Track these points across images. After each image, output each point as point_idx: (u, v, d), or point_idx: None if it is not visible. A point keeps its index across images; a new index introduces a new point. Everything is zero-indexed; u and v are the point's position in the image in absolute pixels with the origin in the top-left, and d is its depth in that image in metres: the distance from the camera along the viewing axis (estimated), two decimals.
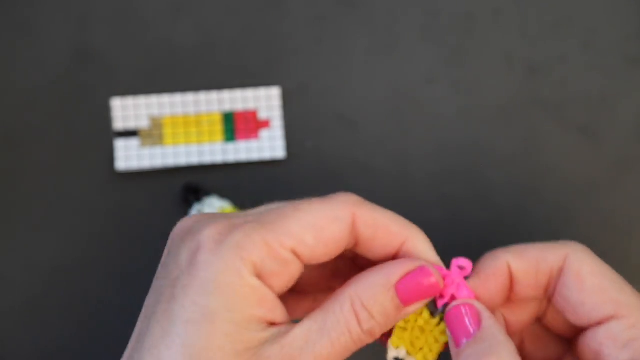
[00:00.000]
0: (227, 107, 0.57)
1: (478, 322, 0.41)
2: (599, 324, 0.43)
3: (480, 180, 0.58)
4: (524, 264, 0.44)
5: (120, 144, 0.57)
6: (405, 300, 0.41)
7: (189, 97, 0.57)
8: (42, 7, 0.58)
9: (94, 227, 0.57)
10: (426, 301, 0.42)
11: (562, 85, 0.58)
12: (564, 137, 0.58)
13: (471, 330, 0.41)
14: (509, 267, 0.44)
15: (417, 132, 0.58)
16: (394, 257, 0.42)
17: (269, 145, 0.57)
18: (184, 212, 0.57)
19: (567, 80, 0.58)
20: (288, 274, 0.40)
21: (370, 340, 0.41)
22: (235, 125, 0.57)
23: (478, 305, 0.42)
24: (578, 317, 0.43)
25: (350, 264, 0.46)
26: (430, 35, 0.58)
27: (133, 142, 0.57)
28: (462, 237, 0.57)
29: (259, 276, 0.40)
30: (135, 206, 0.57)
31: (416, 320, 0.43)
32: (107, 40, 0.58)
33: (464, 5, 0.59)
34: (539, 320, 0.46)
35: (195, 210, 0.56)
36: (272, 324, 0.40)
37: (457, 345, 0.41)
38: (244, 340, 0.39)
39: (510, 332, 0.46)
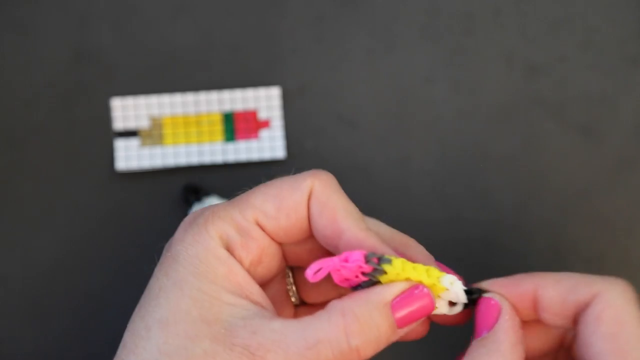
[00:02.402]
0: (227, 107, 0.57)
1: (496, 322, 0.41)
2: None
3: (480, 180, 0.58)
4: (553, 289, 0.42)
5: (120, 144, 0.57)
6: (400, 318, 0.39)
7: (189, 97, 0.57)
8: (42, 7, 0.58)
9: (94, 227, 0.57)
10: (419, 322, 0.40)
11: (562, 85, 0.58)
12: (564, 137, 0.58)
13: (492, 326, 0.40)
14: (536, 288, 0.42)
15: (417, 132, 0.58)
16: (336, 246, 0.41)
17: (269, 145, 0.57)
18: (184, 212, 0.57)
19: (567, 80, 0.58)
20: (256, 246, 0.41)
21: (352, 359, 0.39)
22: (235, 125, 0.57)
23: (506, 306, 0.41)
24: (586, 358, 0.41)
25: None
26: (430, 35, 0.58)
27: (133, 142, 0.57)
28: (462, 237, 0.57)
29: (227, 249, 0.40)
30: (135, 206, 0.57)
31: None
32: (107, 40, 0.58)
33: (464, 5, 0.59)
34: (568, 349, 0.44)
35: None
36: (247, 299, 0.39)
37: (478, 334, 0.40)
38: (212, 309, 0.38)
39: (532, 350, 0.44)
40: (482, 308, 0.41)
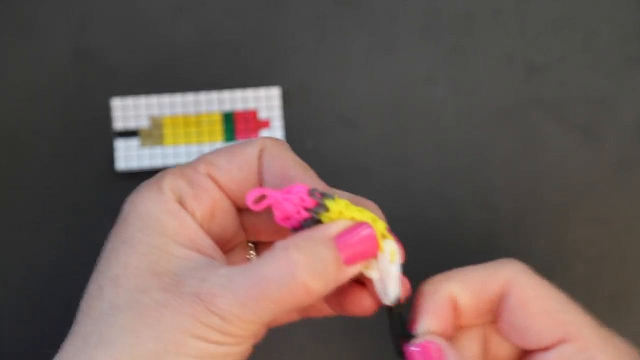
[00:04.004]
0: (227, 107, 0.57)
1: None
2: (548, 348, 0.41)
3: (480, 180, 0.58)
4: (466, 293, 0.42)
5: (120, 144, 0.57)
6: (345, 254, 0.39)
7: (189, 97, 0.57)
8: (42, 7, 0.58)
9: (94, 227, 0.57)
10: (365, 262, 0.40)
11: (562, 85, 0.58)
12: (564, 137, 0.58)
13: None
14: (453, 297, 0.42)
15: (417, 132, 0.58)
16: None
17: None
18: None
19: (567, 80, 0.58)
20: (207, 197, 0.41)
21: (300, 297, 0.38)
22: (235, 125, 0.57)
23: (440, 342, 0.41)
24: (525, 342, 0.42)
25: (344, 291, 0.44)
26: (430, 35, 0.58)
27: (133, 142, 0.57)
28: (462, 237, 0.57)
29: (179, 202, 0.40)
30: None
31: None
32: (107, 40, 0.58)
33: (464, 5, 0.59)
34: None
35: None
36: (198, 252, 0.39)
37: None
38: (161, 261, 0.39)
39: None
40: (417, 355, 0.41)
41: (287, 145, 0.42)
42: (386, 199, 0.58)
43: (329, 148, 0.58)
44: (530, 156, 0.58)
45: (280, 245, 0.38)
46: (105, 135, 0.58)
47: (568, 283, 0.57)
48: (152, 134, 0.57)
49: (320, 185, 0.41)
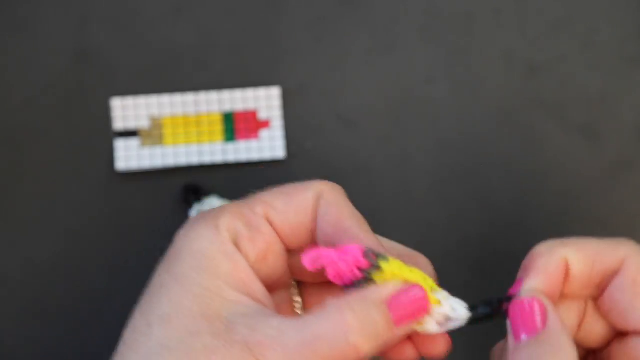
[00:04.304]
0: (227, 107, 0.57)
1: (545, 320, 0.40)
2: None
3: (480, 180, 0.58)
4: (581, 261, 0.42)
5: (120, 144, 0.57)
6: (397, 316, 0.39)
7: (189, 97, 0.57)
8: (42, 7, 0.58)
9: (94, 227, 0.57)
10: (417, 322, 0.40)
11: (562, 85, 0.58)
12: (564, 137, 0.58)
13: (539, 327, 0.40)
14: (567, 263, 0.42)
15: (417, 132, 0.58)
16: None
17: (269, 145, 0.57)
18: (184, 212, 0.57)
19: (567, 80, 0.58)
20: (263, 241, 0.41)
21: (349, 358, 0.38)
22: (235, 125, 0.57)
23: (547, 303, 0.40)
24: (626, 322, 0.42)
25: None
26: (430, 35, 0.58)
27: (133, 142, 0.57)
28: (462, 237, 0.57)
29: (235, 244, 0.40)
30: (135, 206, 0.57)
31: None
32: (107, 40, 0.58)
33: (464, 5, 0.59)
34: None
35: (195, 210, 0.56)
36: (250, 297, 0.39)
37: (517, 339, 0.40)
38: (213, 304, 0.38)
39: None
40: (519, 310, 0.40)
41: (343, 192, 0.42)
42: (386, 199, 0.58)
43: (329, 148, 0.58)
44: (530, 156, 0.58)
45: (333, 305, 0.38)
46: (105, 135, 0.58)
47: None
48: (152, 134, 0.57)
49: (373, 240, 0.41)
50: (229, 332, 0.38)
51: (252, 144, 0.57)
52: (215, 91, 0.57)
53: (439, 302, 0.40)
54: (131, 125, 0.57)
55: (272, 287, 0.43)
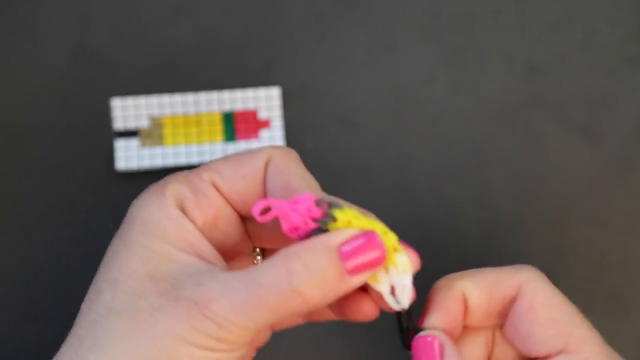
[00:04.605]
0: (227, 107, 0.57)
1: (442, 358, 0.40)
2: (548, 356, 0.41)
3: (480, 180, 0.58)
4: (478, 292, 0.42)
5: (120, 144, 0.57)
6: (348, 265, 0.38)
7: (189, 97, 0.57)
8: (42, 7, 0.58)
9: (93, 227, 0.57)
10: (371, 272, 0.38)
11: (562, 85, 0.58)
12: (564, 137, 0.58)
13: None
14: (464, 295, 0.42)
15: (417, 132, 0.58)
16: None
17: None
18: None
19: (567, 80, 0.58)
20: (209, 205, 0.41)
21: (297, 306, 0.37)
22: (235, 125, 0.57)
23: (445, 340, 0.41)
24: (528, 348, 0.42)
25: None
26: (430, 35, 0.58)
27: (133, 142, 0.57)
28: (462, 237, 0.57)
29: (181, 208, 0.40)
30: None
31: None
32: (107, 40, 0.58)
33: (464, 5, 0.59)
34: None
35: None
36: (198, 258, 0.39)
37: None
38: (160, 266, 0.38)
39: None
40: (420, 347, 0.41)
41: (294, 155, 0.42)
42: (386, 199, 0.58)
43: (329, 148, 0.58)
44: (530, 156, 0.58)
45: (282, 253, 0.38)
46: (105, 135, 0.58)
47: (568, 283, 0.57)
48: (152, 134, 0.57)
49: (324, 196, 0.40)
50: (175, 290, 0.38)
51: (252, 144, 0.57)
52: (215, 91, 0.57)
53: (396, 266, 0.39)
54: (131, 125, 0.57)
55: (229, 254, 0.43)
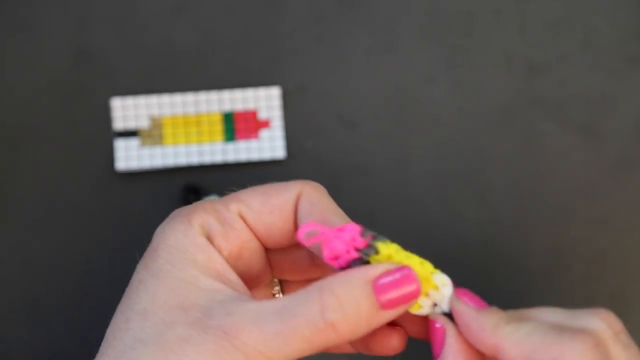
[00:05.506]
0: (227, 107, 0.57)
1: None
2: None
3: (480, 180, 0.58)
4: (512, 353, 0.39)
5: (120, 144, 0.57)
6: (383, 300, 0.38)
7: (189, 97, 0.57)
8: (42, 7, 0.58)
9: (94, 227, 0.57)
10: (406, 306, 0.39)
11: (562, 85, 0.58)
12: (564, 137, 0.58)
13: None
14: (496, 348, 0.40)
15: (417, 132, 0.58)
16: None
17: (269, 145, 0.57)
18: None
19: (567, 80, 0.58)
20: (235, 237, 0.40)
21: (329, 339, 0.37)
22: (235, 125, 0.57)
23: (450, 329, 0.40)
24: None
25: None
26: (430, 35, 0.58)
27: (133, 142, 0.57)
28: (462, 237, 0.57)
29: (207, 238, 0.40)
30: (135, 206, 0.57)
31: None
32: (107, 40, 0.58)
33: (464, 5, 0.59)
34: None
35: None
36: (226, 286, 0.39)
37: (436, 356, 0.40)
38: (189, 294, 0.38)
39: None
40: (431, 331, 0.40)
41: (325, 191, 0.42)
42: (386, 199, 0.58)
43: (329, 148, 0.58)
44: (530, 156, 0.58)
45: (315, 284, 0.37)
46: (105, 135, 0.58)
47: (568, 283, 0.57)
48: (152, 134, 0.57)
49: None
50: (204, 320, 0.37)
51: (252, 144, 0.57)
52: (215, 91, 0.57)
53: (437, 287, 0.39)
54: (131, 125, 0.57)
55: (251, 284, 0.43)
